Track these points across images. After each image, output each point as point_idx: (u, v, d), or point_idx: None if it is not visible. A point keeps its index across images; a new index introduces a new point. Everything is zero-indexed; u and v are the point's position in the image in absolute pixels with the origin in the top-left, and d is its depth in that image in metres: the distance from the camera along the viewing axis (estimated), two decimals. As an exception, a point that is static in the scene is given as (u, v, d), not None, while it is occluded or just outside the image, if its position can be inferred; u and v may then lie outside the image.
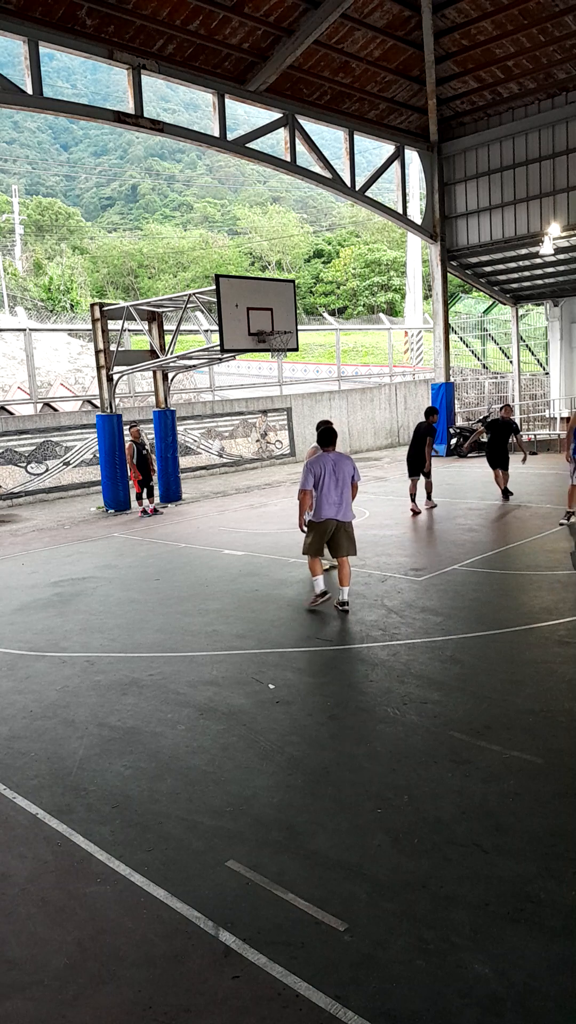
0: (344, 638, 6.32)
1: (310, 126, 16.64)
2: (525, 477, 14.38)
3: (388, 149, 18.93)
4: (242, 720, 4.91)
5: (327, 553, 7.49)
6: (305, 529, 7.33)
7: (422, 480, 12.07)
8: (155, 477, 14.00)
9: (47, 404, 19.82)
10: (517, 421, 16.44)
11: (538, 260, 19.21)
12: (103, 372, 13.80)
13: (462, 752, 4.31)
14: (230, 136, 15.21)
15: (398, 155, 18.74)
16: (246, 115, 43.55)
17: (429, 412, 12.02)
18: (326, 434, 7.17)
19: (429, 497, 12.28)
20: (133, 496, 13.96)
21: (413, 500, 11.98)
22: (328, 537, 7.09)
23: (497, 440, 12.61)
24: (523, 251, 18.76)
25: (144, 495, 13.46)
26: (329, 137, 23.01)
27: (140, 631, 6.90)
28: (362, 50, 15.95)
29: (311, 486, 7.00)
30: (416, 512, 11.81)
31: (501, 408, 13.27)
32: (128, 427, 13.69)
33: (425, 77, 17.13)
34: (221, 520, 12.44)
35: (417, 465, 11.83)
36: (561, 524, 10.39)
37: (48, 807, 4.00)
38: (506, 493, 12.67)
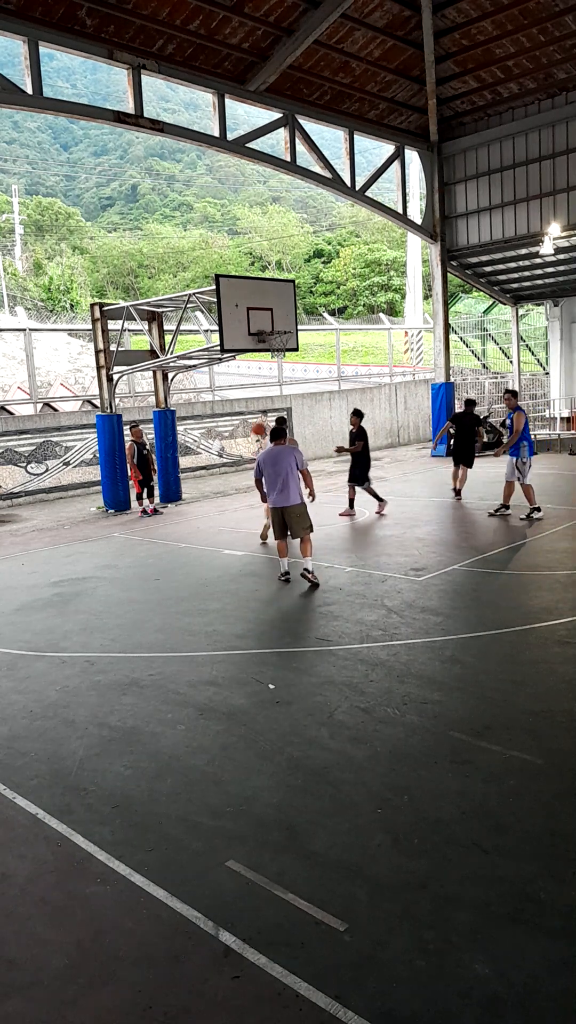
0: (344, 638, 6.32)
1: (310, 126, 16.62)
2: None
3: (388, 149, 18.91)
4: (242, 720, 4.91)
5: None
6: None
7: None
8: (155, 477, 14.01)
9: (47, 404, 19.83)
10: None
11: (538, 260, 19.20)
12: (103, 372, 13.80)
13: (462, 752, 4.31)
14: (230, 136, 15.20)
15: (398, 155, 18.73)
16: (246, 115, 43.54)
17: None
18: (275, 431, 8.40)
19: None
20: (133, 496, 13.96)
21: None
22: (281, 520, 8.11)
23: (465, 437, 12.66)
24: (523, 251, 18.74)
25: (144, 495, 13.47)
26: (329, 137, 22.99)
27: (140, 631, 6.90)
28: (362, 50, 15.94)
29: (259, 476, 8.21)
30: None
31: (465, 402, 13.39)
32: (130, 427, 13.69)
33: (425, 77, 17.12)
34: (221, 520, 12.44)
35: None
36: (490, 514, 11.17)
37: (48, 807, 4.00)
38: (459, 492, 12.87)
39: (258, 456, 8.34)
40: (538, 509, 10.79)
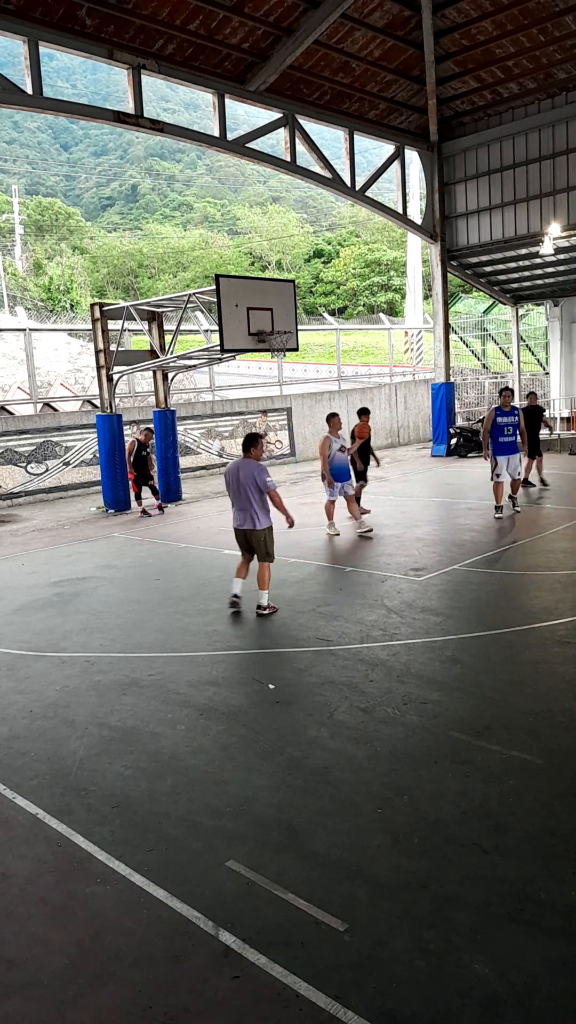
0: (344, 638, 6.32)
1: (310, 126, 16.61)
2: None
3: (388, 149, 18.91)
4: (242, 720, 4.91)
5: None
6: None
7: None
8: (154, 476, 14.01)
9: (47, 404, 19.82)
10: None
11: (538, 260, 19.20)
12: (103, 372, 13.80)
13: (462, 752, 4.31)
14: (230, 136, 15.20)
15: (398, 155, 18.72)
16: (246, 115, 43.54)
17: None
18: (246, 440, 7.24)
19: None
20: (132, 496, 13.97)
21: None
22: (245, 543, 7.25)
23: (530, 428, 12.94)
24: (523, 251, 18.74)
25: (145, 494, 13.51)
26: (329, 137, 22.98)
27: (140, 631, 6.90)
28: (362, 50, 15.93)
29: (228, 491, 7.24)
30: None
31: (527, 395, 13.96)
32: (143, 429, 13.71)
33: (425, 77, 17.11)
34: (221, 520, 12.43)
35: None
36: (498, 518, 10.92)
37: (48, 807, 4.00)
38: (543, 482, 13.34)
39: (225, 469, 7.43)
40: (499, 508, 11.06)
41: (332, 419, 10.52)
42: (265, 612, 7.12)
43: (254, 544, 7.19)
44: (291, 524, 7.33)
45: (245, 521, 7.11)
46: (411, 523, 11.08)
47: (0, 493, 15.17)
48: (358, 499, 11.49)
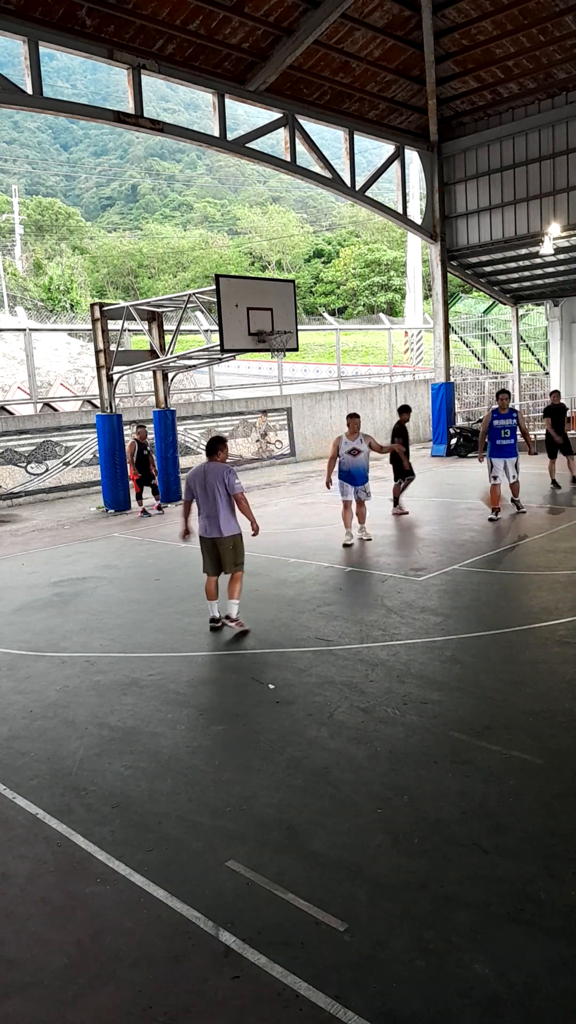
0: (344, 638, 6.32)
1: (310, 126, 16.61)
2: (525, 477, 14.36)
3: (388, 149, 18.91)
4: (242, 720, 4.91)
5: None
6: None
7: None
8: (156, 476, 14.01)
9: (47, 404, 19.82)
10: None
11: (538, 260, 19.20)
12: (103, 372, 13.80)
13: (462, 752, 4.31)
14: (230, 136, 15.19)
15: (398, 155, 18.72)
16: (246, 115, 43.54)
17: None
18: (210, 444, 6.85)
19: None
20: (133, 496, 13.97)
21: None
22: (213, 553, 6.73)
23: (557, 426, 12.89)
24: (523, 251, 18.74)
25: (146, 494, 13.50)
26: (329, 137, 22.98)
27: (140, 631, 6.90)
28: (362, 50, 15.93)
29: (188, 498, 6.80)
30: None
31: (551, 394, 13.97)
32: (136, 427, 13.70)
33: (425, 77, 17.11)
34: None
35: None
36: (491, 520, 10.81)
37: (48, 807, 4.00)
38: (555, 483, 13.23)
39: (188, 474, 6.93)
40: (496, 510, 10.92)
41: (351, 420, 9.87)
42: (232, 625, 6.68)
43: (222, 553, 6.66)
44: (256, 531, 6.79)
45: (212, 529, 6.64)
46: (411, 523, 11.08)
47: (0, 493, 15.17)
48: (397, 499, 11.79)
